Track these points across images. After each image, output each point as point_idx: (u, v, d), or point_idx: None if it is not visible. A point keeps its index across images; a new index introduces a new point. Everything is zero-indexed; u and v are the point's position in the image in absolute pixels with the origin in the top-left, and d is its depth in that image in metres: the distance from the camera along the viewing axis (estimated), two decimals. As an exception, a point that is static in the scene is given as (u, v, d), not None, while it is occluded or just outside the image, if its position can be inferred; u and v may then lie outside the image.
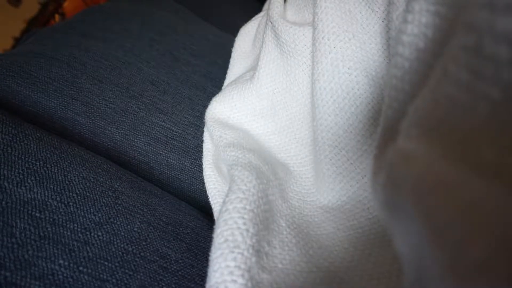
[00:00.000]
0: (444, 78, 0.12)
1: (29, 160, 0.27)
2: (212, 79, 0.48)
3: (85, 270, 0.24)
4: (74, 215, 0.26)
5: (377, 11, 0.28)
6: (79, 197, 0.27)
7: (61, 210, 0.25)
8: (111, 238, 0.26)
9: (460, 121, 0.12)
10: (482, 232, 0.09)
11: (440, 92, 0.12)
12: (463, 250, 0.09)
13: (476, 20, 0.11)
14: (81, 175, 0.29)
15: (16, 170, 0.26)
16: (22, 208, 0.24)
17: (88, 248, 0.25)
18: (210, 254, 0.21)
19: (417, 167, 0.11)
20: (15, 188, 0.25)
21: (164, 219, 0.30)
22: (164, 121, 0.41)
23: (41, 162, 0.27)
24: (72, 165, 0.29)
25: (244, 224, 0.21)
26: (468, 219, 0.09)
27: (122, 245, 0.26)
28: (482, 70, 0.11)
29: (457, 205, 0.10)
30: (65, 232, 0.24)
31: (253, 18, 0.49)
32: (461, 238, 0.09)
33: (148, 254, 0.27)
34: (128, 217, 0.28)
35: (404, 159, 0.12)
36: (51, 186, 0.26)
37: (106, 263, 0.25)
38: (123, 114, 0.39)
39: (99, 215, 0.27)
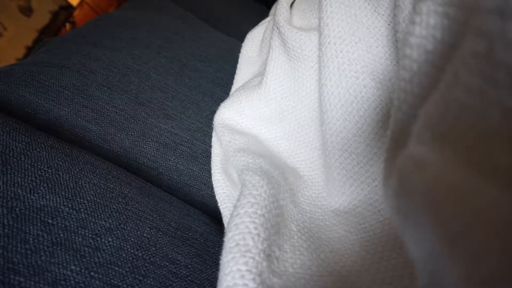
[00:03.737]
0: (454, 83, 0.12)
1: (42, 167, 0.28)
2: (220, 85, 0.49)
3: (96, 275, 0.24)
4: (85, 221, 0.26)
5: (383, 14, 0.28)
6: (90, 203, 0.27)
7: (72, 216, 0.26)
8: (122, 244, 0.26)
9: (472, 127, 0.11)
10: (498, 242, 0.08)
11: (451, 97, 0.12)
12: (479, 262, 0.09)
13: (486, 26, 0.11)
14: (91, 181, 0.29)
15: (29, 177, 0.26)
16: (35, 215, 0.24)
17: (99, 253, 0.25)
18: (221, 258, 0.21)
19: (429, 173, 0.11)
20: (28, 195, 0.25)
21: (173, 225, 0.31)
22: (172, 127, 0.41)
23: (53, 169, 0.28)
24: (83, 172, 0.29)
25: (255, 228, 0.21)
26: (482, 229, 0.09)
27: (132, 251, 0.26)
28: (493, 77, 0.10)
29: (471, 214, 0.09)
30: (77, 238, 0.25)
31: (260, 23, 0.50)
32: (476, 249, 0.09)
33: (157, 259, 0.27)
34: (138, 222, 0.28)
35: (416, 165, 0.12)
36: (63, 193, 0.27)
37: (116, 268, 0.25)
38: (132, 120, 0.39)
39: (110, 221, 0.27)
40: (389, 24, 0.28)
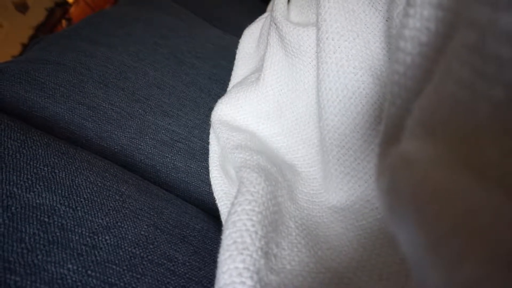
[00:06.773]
0: (447, 75, 0.12)
1: (37, 165, 0.27)
2: (217, 81, 0.49)
3: (93, 274, 0.24)
4: (82, 219, 0.26)
5: (380, 10, 0.28)
6: (86, 201, 0.27)
7: (69, 214, 0.26)
8: (119, 242, 0.26)
9: (464, 121, 0.11)
10: (479, 247, 0.08)
11: (444, 90, 0.12)
12: (459, 266, 0.08)
13: (477, 17, 0.11)
14: (88, 179, 0.29)
15: (25, 175, 0.26)
16: (31, 214, 0.24)
17: (96, 252, 0.25)
18: (219, 255, 0.21)
19: (417, 173, 0.11)
20: (24, 193, 0.25)
21: (171, 222, 0.30)
22: (169, 124, 0.41)
23: (49, 168, 0.28)
24: (79, 170, 0.29)
25: (253, 226, 0.21)
26: (465, 232, 0.09)
27: (129, 249, 0.26)
28: (484, 70, 0.10)
29: (455, 217, 0.09)
30: (74, 237, 0.25)
31: (257, 19, 0.49)
32: (457, 253, 0.09)
33: (155, 257, 0.27)
34: (135, 220, 0.28)
35: (406, 163, 0.12)
36: (59, 191, 0.27)
37: (114, 266, 0.25)
38: (129, 118, 0.39)
39: (107, 219, 0.27)
40: (386, 20, 0.27)
